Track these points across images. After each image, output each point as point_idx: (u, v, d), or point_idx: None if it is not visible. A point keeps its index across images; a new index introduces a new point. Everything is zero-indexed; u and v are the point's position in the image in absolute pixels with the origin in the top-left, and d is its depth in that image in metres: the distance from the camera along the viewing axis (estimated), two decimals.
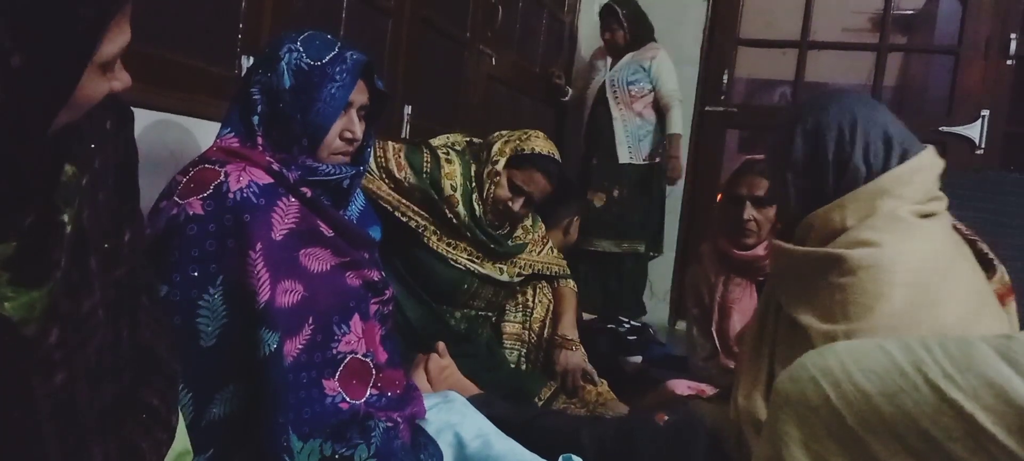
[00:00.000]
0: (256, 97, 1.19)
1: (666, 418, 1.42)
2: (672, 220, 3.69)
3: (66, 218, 0.66)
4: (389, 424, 1.17)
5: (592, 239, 3.21)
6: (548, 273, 2.06)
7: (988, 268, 1.23)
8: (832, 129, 1.19)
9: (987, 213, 2.26)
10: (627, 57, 3.33)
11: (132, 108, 0.85)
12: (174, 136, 1.46)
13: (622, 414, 1.70)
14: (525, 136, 1.86)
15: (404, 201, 1.78)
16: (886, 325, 1.05)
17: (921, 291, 1.07)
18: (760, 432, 1.14)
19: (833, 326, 1.09)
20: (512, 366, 1.98)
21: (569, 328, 1.99)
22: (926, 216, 1.16)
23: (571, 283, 2.11)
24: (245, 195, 1.11)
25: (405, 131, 2.36)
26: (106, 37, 0.61)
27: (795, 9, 3.56)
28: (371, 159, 1.67)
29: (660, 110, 3.30)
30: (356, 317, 1.24)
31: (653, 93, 3.28)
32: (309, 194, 1.19)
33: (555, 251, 2.12)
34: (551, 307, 2.04)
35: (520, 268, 1.97)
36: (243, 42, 1.67)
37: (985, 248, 1.25)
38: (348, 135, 1.24)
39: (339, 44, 1.22)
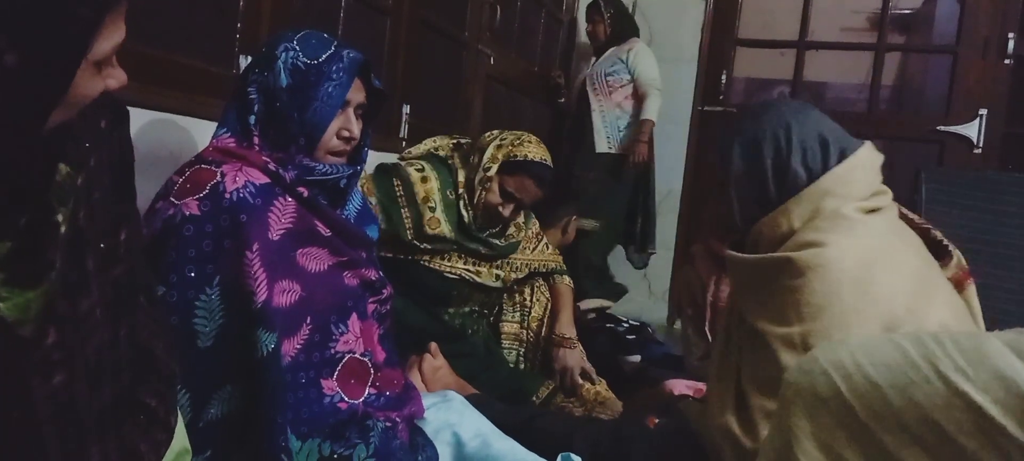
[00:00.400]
0: (253, 96, 1.19)
1: (657, 422, 1.42)
2: (671, 220, 3.69)
3: (61, 218, 0.66)
4: (388, 424, 1.17)
5: None
6: (544, 270, 2.05)
7: (943, 255, 1.25)
8: (767, 138, 1.21)
9: (986, 213, 2.26)
10: (608, 51, 3.39)
11: (130, 108, 0.85)
12: (172, 136, 1.45)
13: (615, 417, 1.70)
14: (518, 141, 1.83)
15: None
16: (840, 323, 1.07)
17: (870, 285, 1.09)
18: (737, 450, 1.15)
19: (788, 329, 1.11)
20: (510, 365, 1.98)
21: (567, 326, 1.99)
22: (872, 211, 1.18)
23: (567, 279, 2.11)
24: (242, 195, 1.11)
25: (403, 131, 2.36)
26: (101, 34, 0.61)
27: (793, 9, 3.57)
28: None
29: (640, 100, 3.31)
30: (354, 316, 1.24)
31: (632, 84, 3.30)
32: (306, 194, 1.19)
33: (549, 247, 2.12)
34: (549, 306, 2.04)
35: (516, 270, 1.96)
36: (241, 42, 1.66)
37: (939, 235, 1.27)
38: (345, 134, 1.24)
39: (336, 43, 1.22)
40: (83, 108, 0.66)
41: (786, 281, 1.13)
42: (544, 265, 2.05)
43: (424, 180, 1.79)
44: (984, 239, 2.21)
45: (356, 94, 1.25)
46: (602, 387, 1.90)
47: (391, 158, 1.95)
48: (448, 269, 1.82)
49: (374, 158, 1.93)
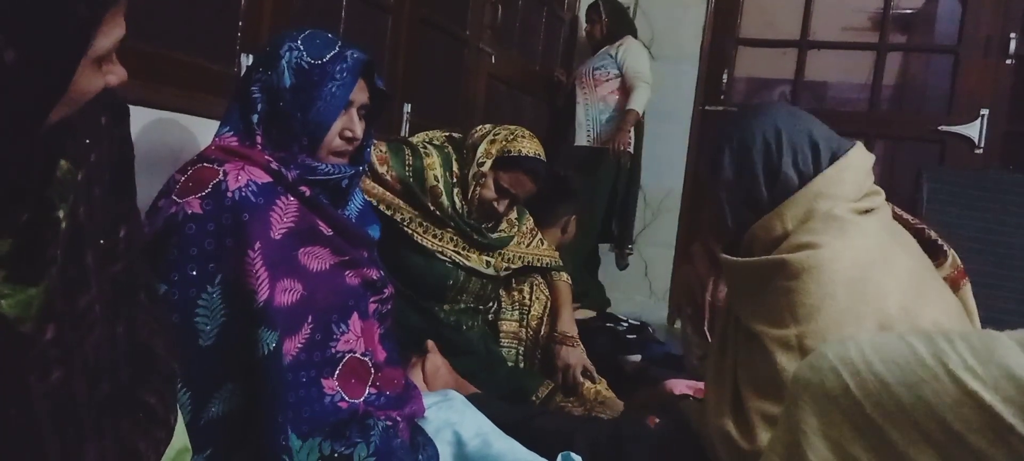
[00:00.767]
0: (256, 96, 1.19)
1: (657, 421, 1.42)
2: (671, 219, 3.69)
3: (62, 214, 0.66)
4: (388, 423, 1.17)
5: None
6: (540, 265, 2.05)
7: (938, 254, 1.25)
8: (757, 143, 1.21)
9: (988, 212, 2.26)
10: (602, 49, 3.39)
11: (131, 106, 0.84)
12: (173, 134, 1.45)
13: (616, 416, 1.70)
14: (512, 136, 1.83)
15: (388, 194, 1.78)
16: (835, 324, 1.07)
17: (864, 285, 1.10)
18: (734, 452, 1.15)
19: (784, 330, 1.11)
20: (510, 365, 1.98)
21: (568, 324, 1.98)
22: (865, 212, 1.18)
23: (565, 275, 2.10)
24: (244, 194, 1.11)
25: (405, 130, 2.36)
26: (100, 31, 0.61)
27: (795, 8, 3.56)
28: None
29: (627, 94, 3.29)
30: (355, 316, 1.24)
31: (620, 78, 3.29)
32: (308, 193, 1.19)
33: (545, 243, 2.12)
34: (548, 305, 2.04)
35: (509, 261, 1.96)
36: (243, 40, 1.66)
37: (933, 235, 1.27)
38: (348, 134, 1.24)
39: (340, 43, 1.22)
40: (83, 105, 0.65)
41: (781, 283, 1.13)
42: (539, 259, 2.05)
43: (427, 154, 1.81)
44: (985, 238, 2.21)
45: (359, 94, 1.25)
46: (602, 386, 1.90)
47: None
48: (438, 248, 1.81)
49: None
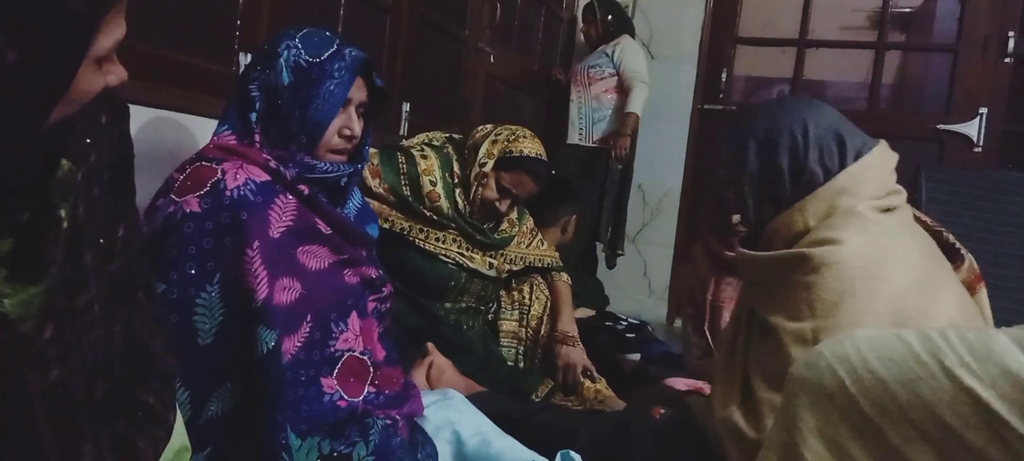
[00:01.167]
0: (254, 94, 1.19)
1: (662, 412, 1.42)
2: (671, 218, 3.70)
3: (63, 214, 0.66)
4: (388, 421, 1.17)
5: None
6: (540, 265, 2.06)
7: (955, 258, 1.25)
8: (784, 138, 1.21)
9: (987, 212, 2.26)
10: (598, 48, 3.39)
11: (130, 105, 0.84)
12: (171, 133, 1.45)
13: (620, 410, 1.70)
14: (513, 136, 1.83)
15: (384, 208, 1.77)
16: (853, 320, 1.07)
17: (883, 284, 1.09)
18: (741, 442, 1.15)
19: (801, 324, 1.11)
20: (510, 364, 1.98)
21: (569, 324, 1.99)
22: (886, 210, 1.18)
23: (565, 276, 2.11)
24: (242, 193, 1.11)
25: (404, 129, 2.36)
26: (101, 31, 0.61)
27: (794, 7, 3.57)
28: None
29: (624, 94, 3.28)
30: (354, 315, 1.24)
31: (616, 77, 3.28)
32: (307, 191, 1.19)
33: (545, 244, 2.12)
34: (548, 304, 2.04)
35: (511, 263, 1.97)
36: (241, 39, 1.66)
37: (951, 238, 1.27)
38: (347, 132, 1.24)
39: (338, 41, 1.22)
40: (84, 104, 0.65)
41: (801, 277, 1.13)
42: (540, 260, 2.05)
43: (424, 157, 1.81)
44: (984, 238, 2.21)
45: (358, 93, 1.25)
46: (602, 385, 1.90)
47: None
48: (442, 251, 1.81)
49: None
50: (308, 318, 1.16)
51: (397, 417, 1.21)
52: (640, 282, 3.66)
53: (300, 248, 1.17)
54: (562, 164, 3.28)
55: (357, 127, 1.26)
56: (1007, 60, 3.29)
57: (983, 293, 1.25)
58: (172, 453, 0.86)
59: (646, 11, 3.69)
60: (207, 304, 1.09)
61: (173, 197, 1.11)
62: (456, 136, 1.94)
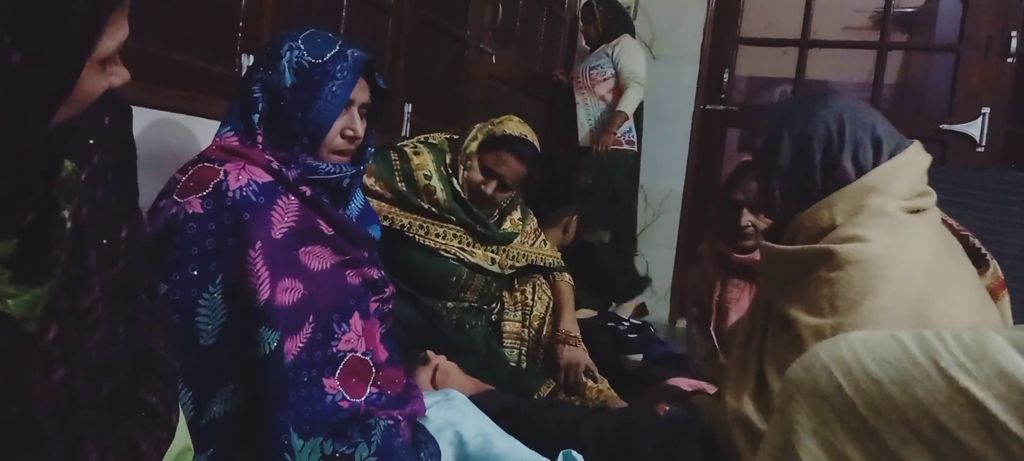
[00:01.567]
0: (257, 95, 1.19)
1: (667, 408, 1.42)
2: (672, 219, 3.69)
3: (66, 215, 0.66)
4: (390, 422, 1.17)
5: None
6: (543, 264, 2.06)
7: (980, 263, 1.24)
8: (820, 133, 1.20)
9: (989, 212, 2.26)
10: (599, 48, 3.39)
11: (132, 107, 0.85)
12: (174, 135, 1.46)
13: (624, 407, 1.70)
14: (499, 120, 1.86)
15: (383, 205, 1.78)
16: (873, 320, 1.07)
17: (907, 286, 1.09)
18: (749, 433, 1.15)
19: (821, 320, 1.11)
20: (512, 365, 1.98)
21: (570, 324, 1.99)
22: (915, 211, 1.17)
23: (567, 277, 2.11)
24: (245, 194, 1.11)
25: (405, 130, 2.36)
26: (105, 33, 0.61)
27: (796, 7, 3.56)
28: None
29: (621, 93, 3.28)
30: (356, 315, 1.24)
31: (616, 77, 3.28)
32: (309, 192, 1.19)
33: (548, 244, 2.12)
34: (551, 305, 2.04)
35: (513, 259, 1.97)
36: (243, 41, 1.66)
37: (977, 243, 1.26)
38: (349, 133, 1.24)
39: (340, 42, 1.22)
40: (87, 105, 0.66)
41: (825, 273, 1.12)
42: (543, 259, 2.06)
43: (417, 153, 1.83)
44: (986, 238, 2.20)
45: (360, 93, 1.25)
46: (604, 386, 1.90)
47: None
48: (442, 246, 1.81)
49: None
50: (310, 319, 1.16)
51: (399, 418, 1.21)
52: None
53: (302, 249, 1.18)
54: (574, 166, 3.28)
55: (359, 128, 1.26)
56: (1010, 60, 3.29)
57: (1006, 301, 1.24)
58: (175, 453, 0.87)
59: (648, 12, 3.68)
60: (209, 305, 1.09)
61: (176, 198, 1.11)
62: (456, 137, 1.95)
